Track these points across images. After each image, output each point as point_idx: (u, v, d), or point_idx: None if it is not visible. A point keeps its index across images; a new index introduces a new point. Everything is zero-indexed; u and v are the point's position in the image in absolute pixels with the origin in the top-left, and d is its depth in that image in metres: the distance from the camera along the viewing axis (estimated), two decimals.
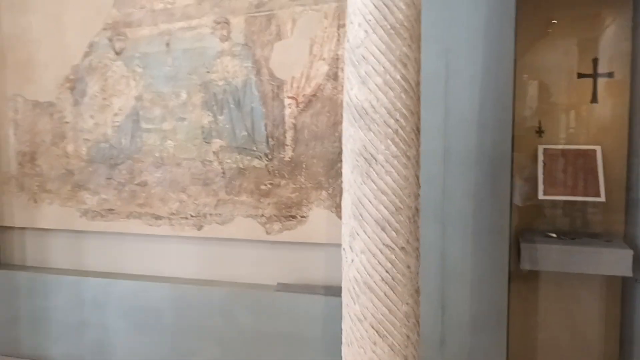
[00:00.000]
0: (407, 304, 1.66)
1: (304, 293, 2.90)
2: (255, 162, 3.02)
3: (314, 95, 2.89)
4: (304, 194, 2.93)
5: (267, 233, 3.02)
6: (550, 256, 2.52)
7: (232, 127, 3.06)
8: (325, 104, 2.87)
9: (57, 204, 3.50)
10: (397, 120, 1.58)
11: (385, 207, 1.60)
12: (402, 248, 1.63)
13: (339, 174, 2.77)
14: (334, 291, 2.68)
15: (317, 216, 2.91)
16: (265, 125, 2.99)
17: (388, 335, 1.64)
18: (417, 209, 1.67)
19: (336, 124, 2.80)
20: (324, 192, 2.90)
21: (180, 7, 3.13)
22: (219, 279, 3.18)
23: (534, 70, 2.89)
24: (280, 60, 2.94)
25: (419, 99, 1.64)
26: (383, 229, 1.61)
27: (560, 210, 2.84)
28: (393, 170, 1.59)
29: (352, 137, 1.62)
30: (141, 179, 3.29)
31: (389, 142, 1.58)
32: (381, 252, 1.61)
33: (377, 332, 1.64)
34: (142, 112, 3.26)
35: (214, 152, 3.11)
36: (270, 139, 2.99)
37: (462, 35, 2.39)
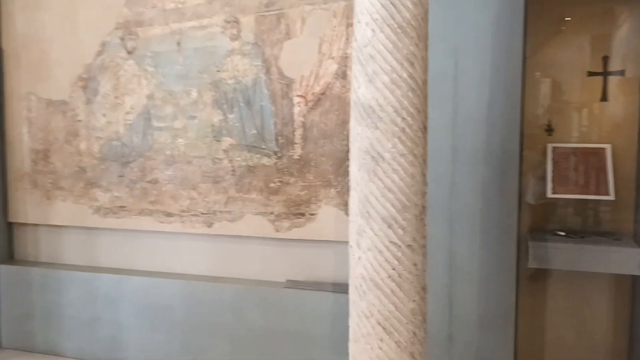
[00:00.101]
0: (414, 301, 1.67)
1: (312, 290, 2.92)
2: (265, 160, 3.05)
3: (323, 93, 2.90)
4: (313, 191, 2.95)
5: (276, 230, 3.05)
6: (558, 255, 2.51)
7: (242, 126, 3.09)
8: (334, 103, 2.88)
9: (70, 201, 3.56)
10: (404, 119, 1.59)
11: (392, 204, 1.61)
12: (409, 245, 1.63)
13: (347, 172, 2.77)
14: (342, 288, 2.69)
15: (326, 214, 2.93)
16: (275, 123, 3.01)
17: (395, 332, 1.65)
18: (424, 207, 1.67)
19: (345, 122, 2.81)
20: (332, 190, 2.91)
21: (191, 7, 3.16)
22: (229, 276, 3.21)
23: (546, 68, 2.87)
24: (290, 59, 2.96)
25: (426, 97, 1.65)
26: (390, 227, 1.61)
27: (569, 209, 2.82)
28: (400, 169, 1.60)
29: (359, 135, 1.63)
30: (152, 177, 3.33)
31: (396, 140, 1.59)
32: (388, 250, 1.62)
33: (383, 328, 1.65)
34: (153, 110, 3.30)
35: (224, 150, 3.14)
36: (279, 137, 3.01)
37: (471, 33, 2.38)
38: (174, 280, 3.23)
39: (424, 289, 1.71)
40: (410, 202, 1.62)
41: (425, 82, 1.64)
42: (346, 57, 2.82)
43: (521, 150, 2.44)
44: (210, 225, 3.20)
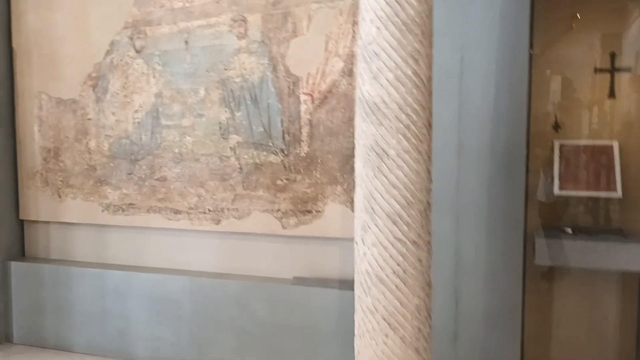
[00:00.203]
0: (419, 297, 1.67)
1: (319, 286, 2.94)
2: (272, 158, 3.06)
3: (329, 91, 2.91)
4: (320, 189, 2.97)
5: (283, 227, 3.07)
6: (565, 252, 2.50)
7: (249, 123, 3.11)
8: (341, 100, 2.90)
9: (80, 199, 3.60)
10: (408, 115, 1.60)
11: (396, 201, 1.61)
12: (414, 242, 1.64)
13: (354, 169, 2.77)
14: (349, 285, 2.70)
15: (332, 211, 2.95)
16: (282, 121, 3.03)
17: (399, 328, 1.66)
18: (428, 203, 1.68)
19: (351, 119, 2.82)
20: (339, 187, 2.93)
21: (198, 6, 3.19)
22: (236, 272, 3.23)
23: (555, 66, 2.86)
24: (296, 57, 2.98)
25: (430, 94, 1.65)
26: (394, 223, 1.62)
27: (576, 206, 2.81)
28: (404, 165, 1.61)
29: (364, 132, 1.65)
30: (161, 174, 3.36)
31: (401, 137, 1.60)
32: (392, 246, 1.63)
33: (388, 324, 1.66)
34: (161, 108, 3.33)
35: (231, 148, 3.16)
36: (286, 135, 3.03)
37: (477, 30, 2.38)
38: (182, 277, 3.27)
39: (428, 285, 1.72)
40: (415, 199, 1.63)
41: (429, 79, 1.65)
42: (352, 55, 2.83)
43: (527, 147, 2.43)
44: (217, 222, 3.23)
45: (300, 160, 3.00)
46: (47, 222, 3.76)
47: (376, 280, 1.66)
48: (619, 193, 2.56)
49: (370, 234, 1.66)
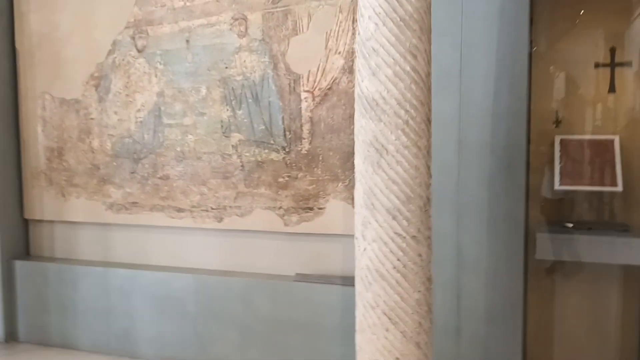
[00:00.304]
0: (419, 291, 1.68)
1: (321, 283, 2.95)
2: (273, 155, 3.08)
3: (329, 88, 2.93)
4: (321, 186, 2.98)
5: (285, 224, 3.08)
6: (565, 246, 2.51)
7: (251, 121, 3.12)
8: (341, 97, 2.91)
9: (84, 198, 3.62)
10: (407, 111, 1.60)
11: (396, 196, 1.62)
12: (414, 237, 1.65)
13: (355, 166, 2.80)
14: (351, 281, 2.70)
15: (334, 207, 2.96)
16: (283, 118, 3.04)
17: (400, 322, 1.67)
18: (428, 199, 1.69)
19: (352, 116, 2.83)
20: (340, 184, 2.94)
21: (199, 5, 3.20)
22: (239, 270, 3.25)
23: (558, 62, 2.85)
24: (297, 55, 2.99)
25: (429, 89, 1.66)
26: (394, 218, 1.63)
27: (576, 201, 2.81)
28: (404, 160, 1.62)
29: (364, 128, 1.66)
30: (163, 173, 3.38)
31: (400, 132, 1.61)
32: (392, 241, 1.64)
33: (389, 319, 1.67)
34: (163, 107, 3.35)
35: (233, 146, 3.18)
36: (287, 132, 3.04)
37: (477, 26, 2.39)
38: (186, 274, 3.28)
39: (429, 279, 1.73)
40: (415, 194, 1.64)
41: (428, 75, 1.65)
42: (352, 52, 2.84)
43: (528, 142, 2.44)
44: (220, 220, 3.25)
45: (302, 158, 3.01)
46: (52, 222, 3.79)
47: (377, 276, 1.67)
48: (619, 187, 2.56)
49: (370, 229, 1.67)
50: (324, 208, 2.98)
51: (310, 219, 3.02)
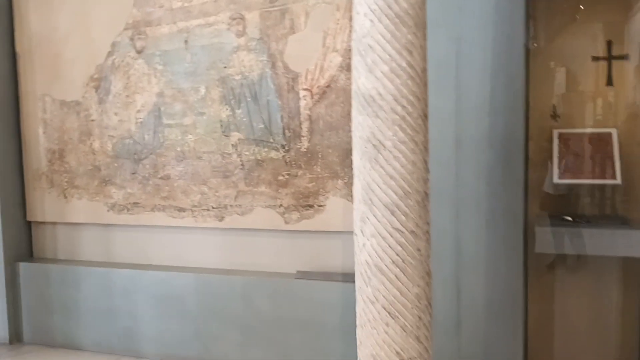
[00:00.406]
0: (419, 286, 1.69)
1: (322, 280, 2.97)
2: (273, 154, 3.09)
3: (328, 86, 2.94)
4: (321, 183, 2.99)
5: (286, 222, 3.09)
6: (565, 239, 2.51)
7: (250, 120, 3.14)
8: (339, 95, 2.92)
9: (85, 199, 3.64)
10: (404, 107, 1.61)
11: (394, 191, 1.63)
12: (412, 231, 1.66)
13: None
14: (352, 278, 2.71)
15: (334, 205, 2.97)
16: (282, 117, 3.06)
17: (400, 317, 1.68)
18: (426, 193, 1.70)
19: (350, 113, 2.83)
20: (340, 181, 2.95)
21: (197, 5, 3.22)
22: (240, 268, 3.26)
23: (558, 57, 2.86)
24: (295, 53, 3.00)
25: (425, 85, 1.67)
26: (392, 213, 1.64)
27: (576, 194, 2.81)
28: (401, 156, 1.63)
29: (361, 124, 1.67)
30: (164, 173, 3.40)
31: (397, 128, 1.62)
32: (391, 236, 1.65)
33: (389, 313, 1.68)
34: (163, 108, 3.37)
35: (232, 145, 3.19)
36: (286, 131, 3.05)
37: (473, 21, 2.39)
38: (187, 273, 3.30)
39: (428, 274, 1.74)
40: (412, 189, 1.65)
41: (424, 70, 1.66)
42: (350, 50, 2.83)
43: (526, 137, 2.44)
44: (221, 219, 3.26)
45: (301, 156, 3.03)
46: (54, 223, 3.81)
47: (376, 271, 1.68)
48: (618, 180, 2.57)
49: (369, 224, 1.68)
50: (324, 205, 2.99)
51: (311, 217, 3.03)
